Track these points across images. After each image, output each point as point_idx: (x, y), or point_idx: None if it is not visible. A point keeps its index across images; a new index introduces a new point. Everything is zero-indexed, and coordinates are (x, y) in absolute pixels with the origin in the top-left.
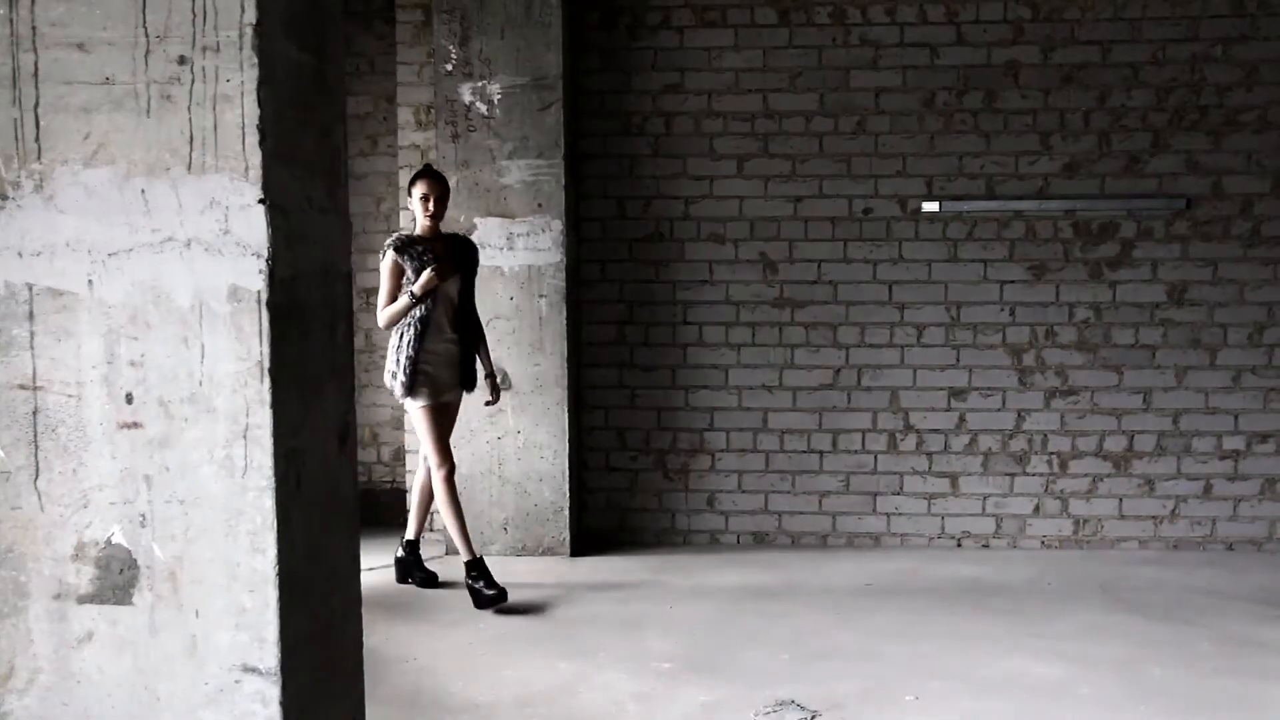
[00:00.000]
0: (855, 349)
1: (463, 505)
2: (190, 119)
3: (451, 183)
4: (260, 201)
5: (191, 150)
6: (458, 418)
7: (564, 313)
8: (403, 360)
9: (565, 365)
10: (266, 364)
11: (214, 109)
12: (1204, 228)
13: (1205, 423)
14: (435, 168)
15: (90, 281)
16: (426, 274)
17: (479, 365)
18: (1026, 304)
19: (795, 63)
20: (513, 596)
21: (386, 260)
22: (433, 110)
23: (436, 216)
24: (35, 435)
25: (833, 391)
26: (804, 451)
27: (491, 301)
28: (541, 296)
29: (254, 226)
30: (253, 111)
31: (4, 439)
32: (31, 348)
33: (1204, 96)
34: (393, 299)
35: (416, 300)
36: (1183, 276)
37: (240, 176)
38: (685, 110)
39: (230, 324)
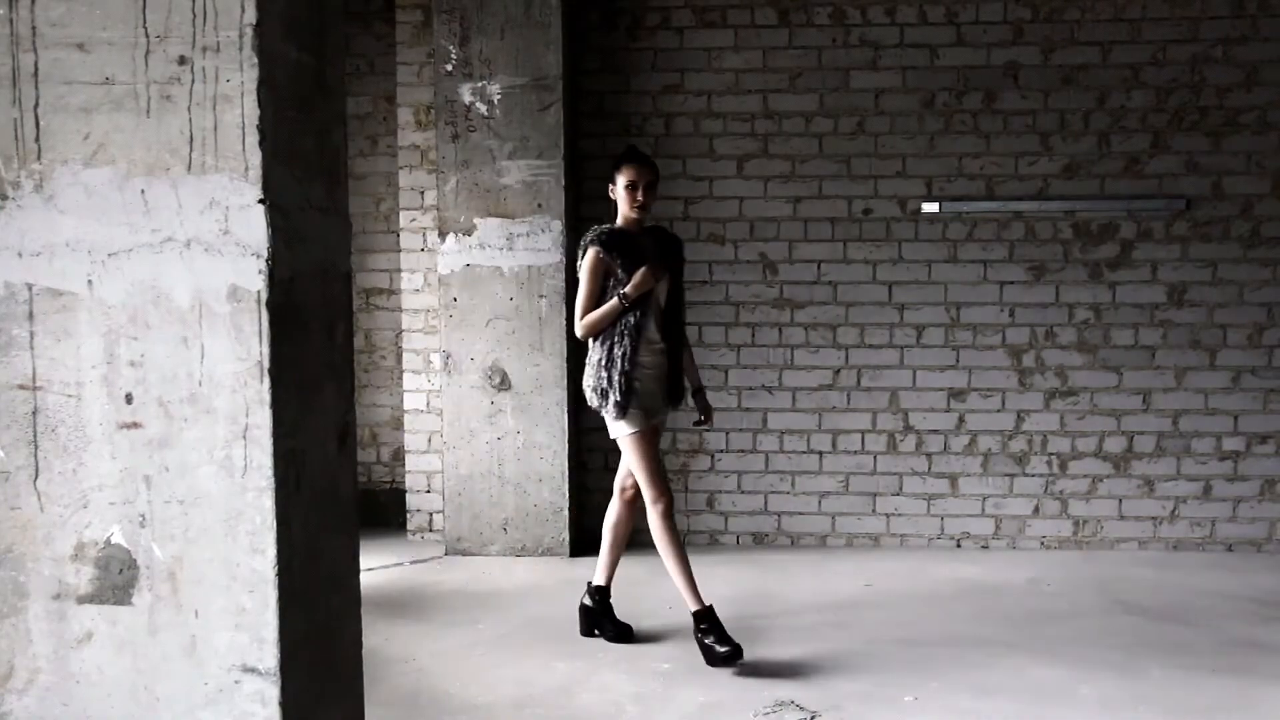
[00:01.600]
0: (855, 349)
1: (461, 505)
2: (190, 119)
3: (450, 183)
4: (260, 202)
5: (191, 150)
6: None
7: (564, 313)
8: (615, 377)
9: (565, 366)
10: (266, 364)
11: (214, 109)
12: (1204, 228)
13: (1205, 424)
14: (638, 148)
15: (90, 281)
16: (641, 274)
17: (683, 377)
18: (1026, 305)
19: (795, 63)
20: (512, 597)
21: (588, 258)
22: (432, 110)
23: (645, 208)
24: (35, 435)
25: (832, 392)
26: (803, 452)
27: (491, 302)
28: (541, 297)
29: (254, 227)
30: (252, 112)
31: (4, 439)
32: (31, 348)
33: (1204, 97)
34: (595, 302)
35: (630, 305)
36: (1182, 277)
37: (240, 177)
38: (685, 111)
39: (230, 324)
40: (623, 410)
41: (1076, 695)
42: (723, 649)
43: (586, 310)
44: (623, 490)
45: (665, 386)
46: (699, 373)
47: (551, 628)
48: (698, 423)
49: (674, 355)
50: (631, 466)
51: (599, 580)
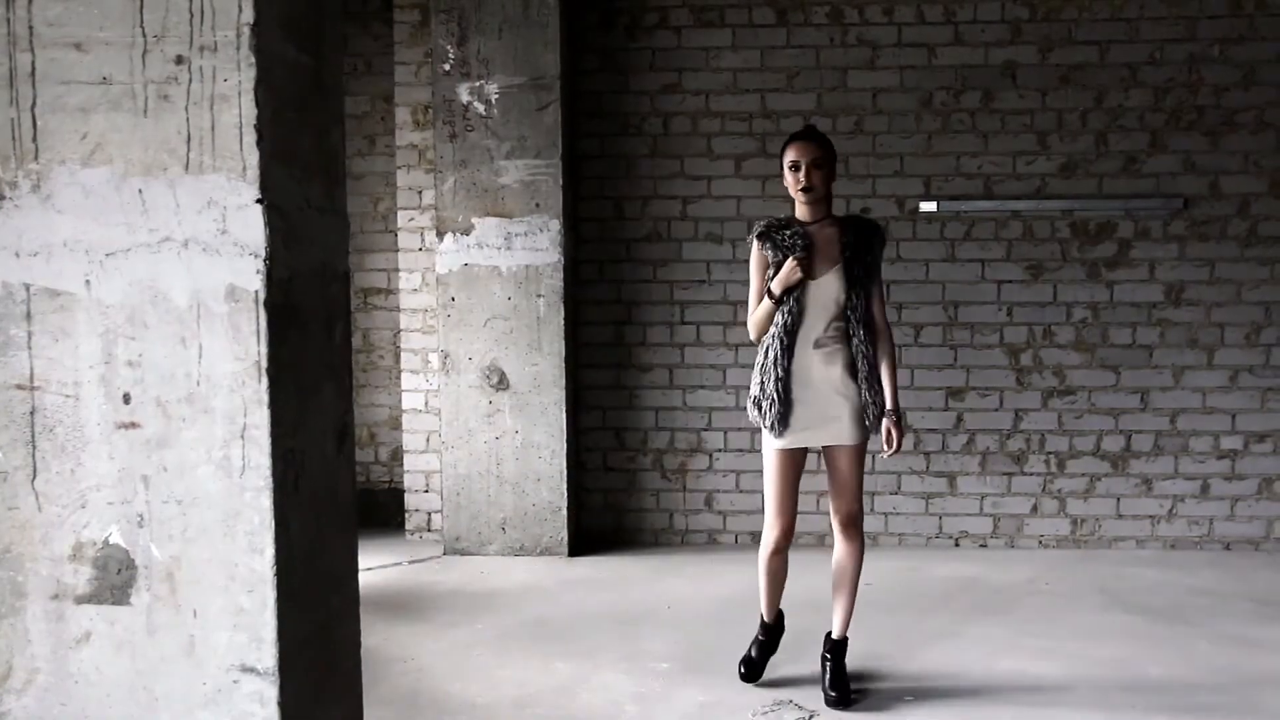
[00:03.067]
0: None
1: (460, 505)
2: (188, 119)
3: (448, 183)
4: (258, 201)
5: (189, 150)
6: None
7: (562, 313)
8: (766, 383)
9: (563, 365)
10: (264, 364)
11: (211, 109)
12: (1201, 228)
13: (1203, 422)
14: (815, 129)
15: (88, 281)
16: (787, 265)
17: (868, 395)
18: (1024, 304)
19: (793, 63)
20: (511, 597)
21: (752, 252)
22: (430, 110)
23: (810, 189)
24: (33, 435)
25: None
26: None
27: (489, 301)
28: (539, 296)
29: (251, 226)
30: (250, 111)
31: (1, 439)
32: (29, 347)
33: (1201, 97)
34: (759, 300)
35: (775, 301)
36: (1180, 276)
37: (238, 176)
38: (683, 110)
39: (228, 324)
40: (772, 424)
41: (1075, 694)
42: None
43: (752, 309)
44: (836, 513)
45: (837, 405)
46: (897, 390)
47: (550, 628)
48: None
49: (861, 366)
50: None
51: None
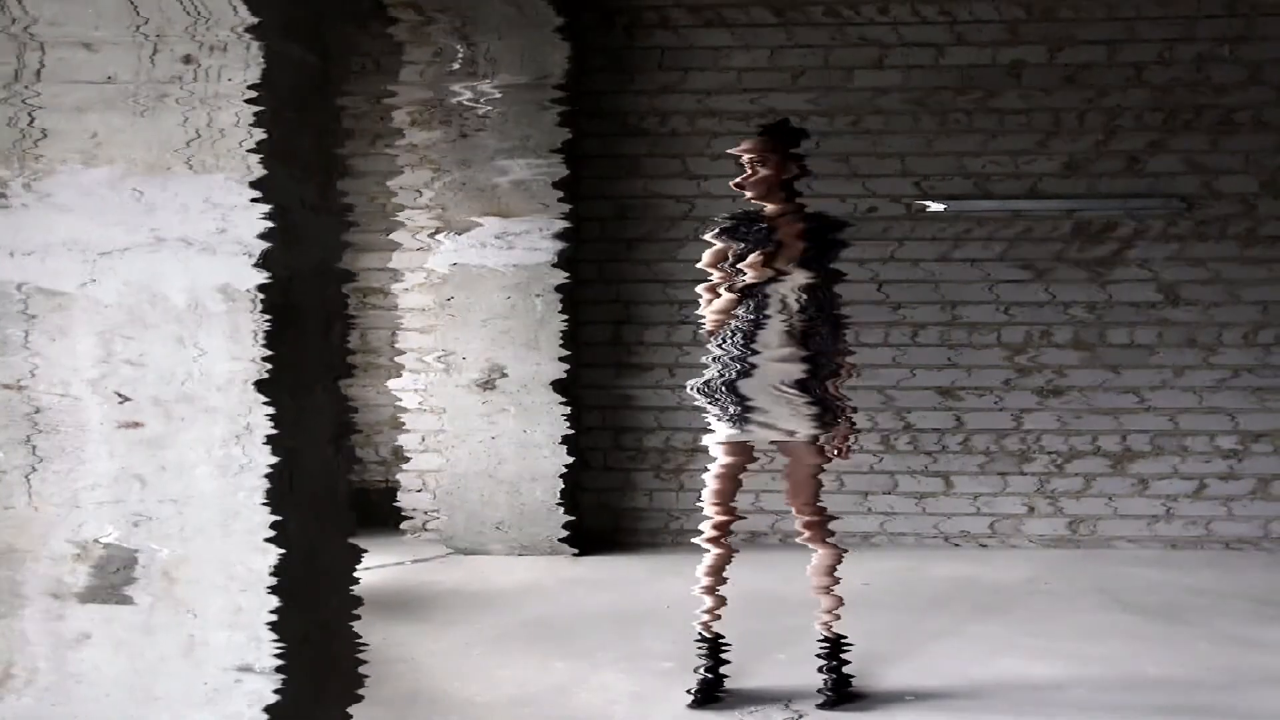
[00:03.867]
0: (851, 347)
1: (457, 505)
2: (188, 119)
3: (449, 182)
4: (258, 201)
5: (189, 150)
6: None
7: (561, 312)
8: (719, 375)
9: (562, 365)
10: (263, 363)
11: (211, 109)
12: (1201, 228)
13: (1201, 422)
14: (788, 123)
15: (86, 281)
16: (752, 258)
17: (828, 392)
18: (1023, 304)
19: (794, 62)
20: (510, 597)
21: (712, 244)
22: (431, 110)
23: (746, 186)
24: (31, 435)
25: None
26: None
27: (488, 301)
28: (539, 296)
29: (251, 226)
30: (250, 111)
31: (1, 438)
32: (27, 347)
33: (1202, 97)
34: (716, 293)
35: (738, 295)
36: (1179, 276)
37: (238, 176)
38: (684, 110)
39: (226, 323)
40: (719, 415)
41: (1073, 693)
42: (695, 693)
43: (706, 303)
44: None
45: (789, 402)
46: (845, 393)
47: (549, 628)
48: (836, 453)
49: (810, 364)
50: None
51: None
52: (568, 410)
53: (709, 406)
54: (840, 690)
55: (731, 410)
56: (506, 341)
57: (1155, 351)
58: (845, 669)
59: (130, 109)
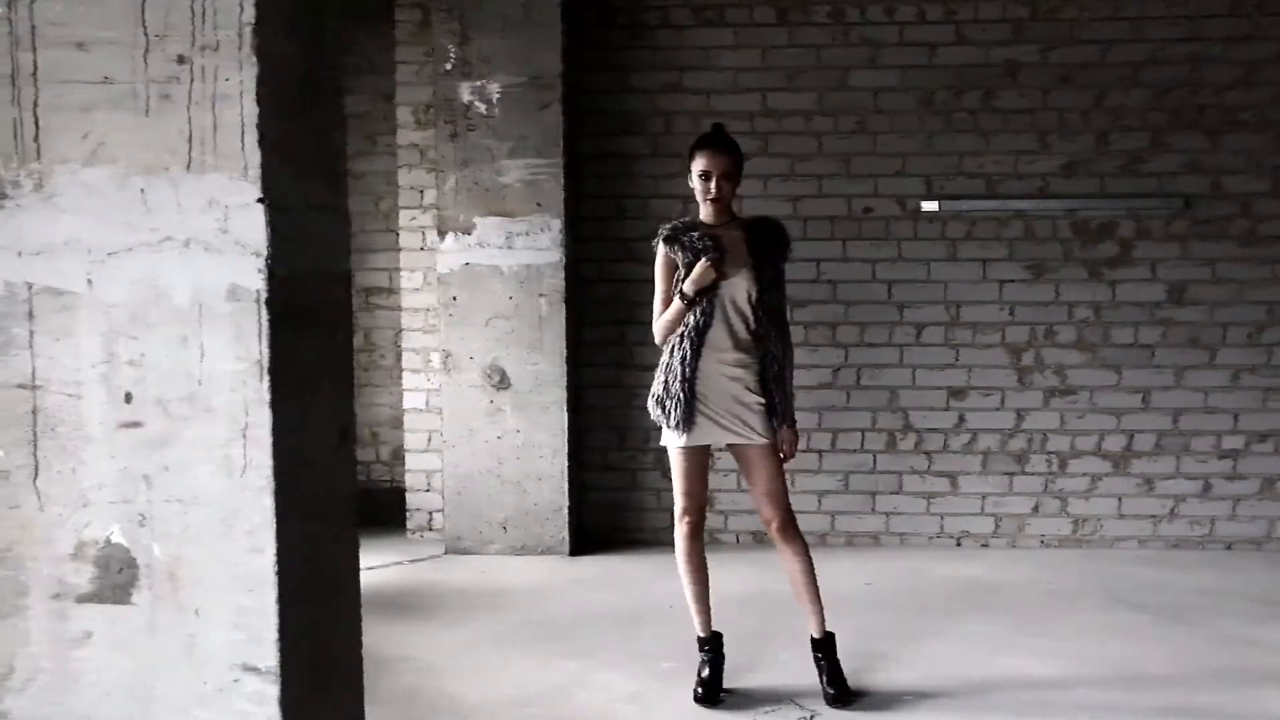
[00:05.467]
0: (854, 348)
1: (461, 504)
2: (189, 118)
3: (450, 182)
4: (259, 201)
5: (191, 149)
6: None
7: (563, 312)
8: (674, 385)
9: (564, 365)
10: (266, 363)
11: (213, 108)
12: (1203, 227)
13: (1204, 422)
14: (723, 130)
15: (89, 281)
16: (700, 267)
17: (775, 396)
18: (1026, 303)
19: (794, 62)
20: (512, 596)
21: (658, 255)
22: (432, 109)
23: (720, 200)
24: (35, 435)
25: (831, 390)
26: (802, 450)
27: (490, 300)
28: (541, 296)
29: (253, 226)
30: (252, 110)
31: (3, 438)
32: (31, 347)
33: (1203, 96)
34: (668, 304)
35: (688, 302)
36: (1182, 276)
37: (239, 176)
38: (684, 109)
39: (229, 323)
40: (676, 423)
41: (1076, 694)
42: (699, 688)
43: (658, 314)
44: (767, 522)
45: (741, 406)
46: (793, 396)
47: (551, 627)
48: (781, 455)
49: (760, 368)
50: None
51: (813, 631)
52: (570, 410)
53: (663, 417)
54: (841, 688)
55: (685, 416)
56: (509, 341)
57: (1158, 351)
58: (841, 666)
59: (130, 108)
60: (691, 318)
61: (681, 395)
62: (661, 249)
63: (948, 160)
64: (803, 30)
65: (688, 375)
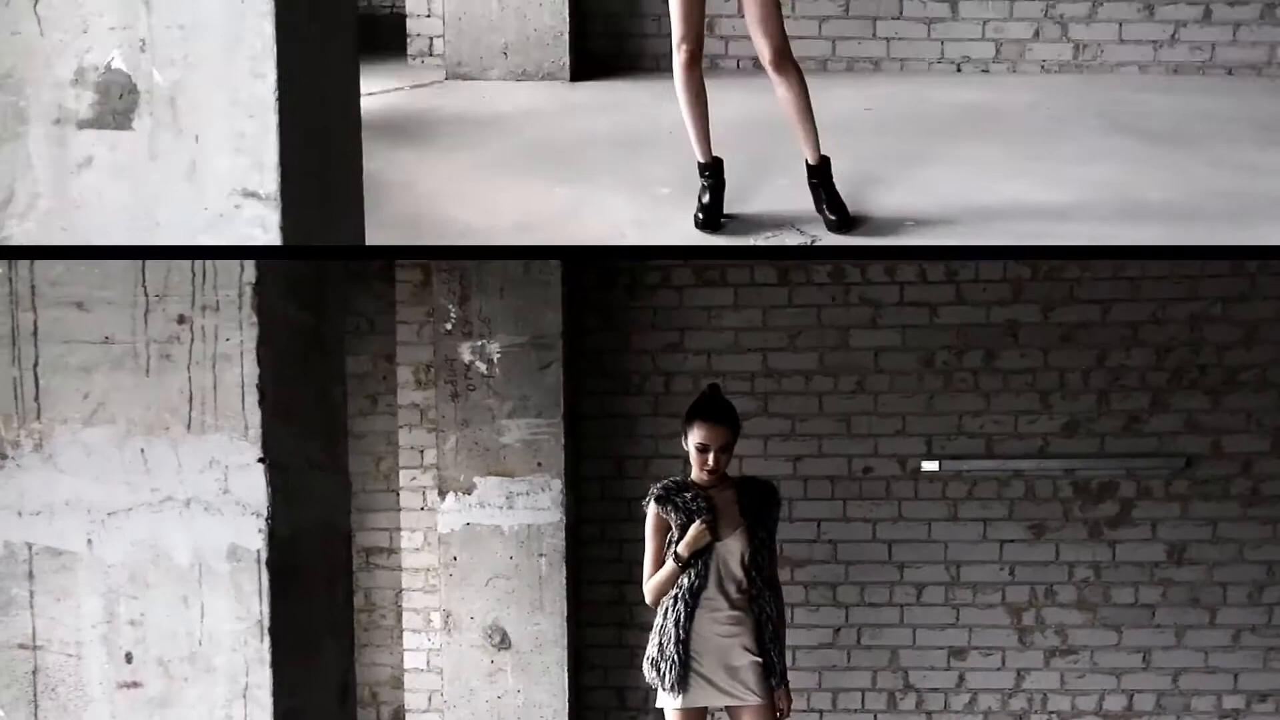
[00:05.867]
0: (855, 608)
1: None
2: (190, 378)
3: (450, 442)
4: (260, 461)
5: (191, 409)
6: None
7: (564, 572)
8: (666, 645)
9: (565, 624)
10: (266, 623)
11: (213, 368)
12: (1203, 487)
13: (1205, 682)
14: (719, 394)
15: (89, 541)
16: (694, 529)
17: (774, 656)
18: (1026, 563)
19: (795, 321)
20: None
21: (648, 517)
22: (432, 369)
23: (717, 472)
24: (35, 694)
25: (832, 650)
26: (803, 710)
27: (491, 560)
28: (541, 555)
29: (253, 486)
30: (252, 371)
31: (4, 698)
32: (31, 607)
33: (1203, 356)
34: (659, 564)
35: (682, 564)
36: (1182, 536)
37: (240, 435)
38: (685, 369)
39: (230, 583)
40: (671, 685)
41: (1075, 218)
42: (699, 214)
43: (649, 575)
44: None
45: (744, 664)
46: (785, 656)
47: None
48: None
49: (756, 629)
50: None
51: None
52: (571, 669)
53: (658, 679)
54: (843, 210)
55: (680, 678)
56: (510, 601)
57: (1159, 610)
58: (839, 192)
59: (133, 368)
60: (685, 579)
61: (676, 657)
62: (653, 509)
63: (948, 420)
64: (804, 290)
65: (682, 637)
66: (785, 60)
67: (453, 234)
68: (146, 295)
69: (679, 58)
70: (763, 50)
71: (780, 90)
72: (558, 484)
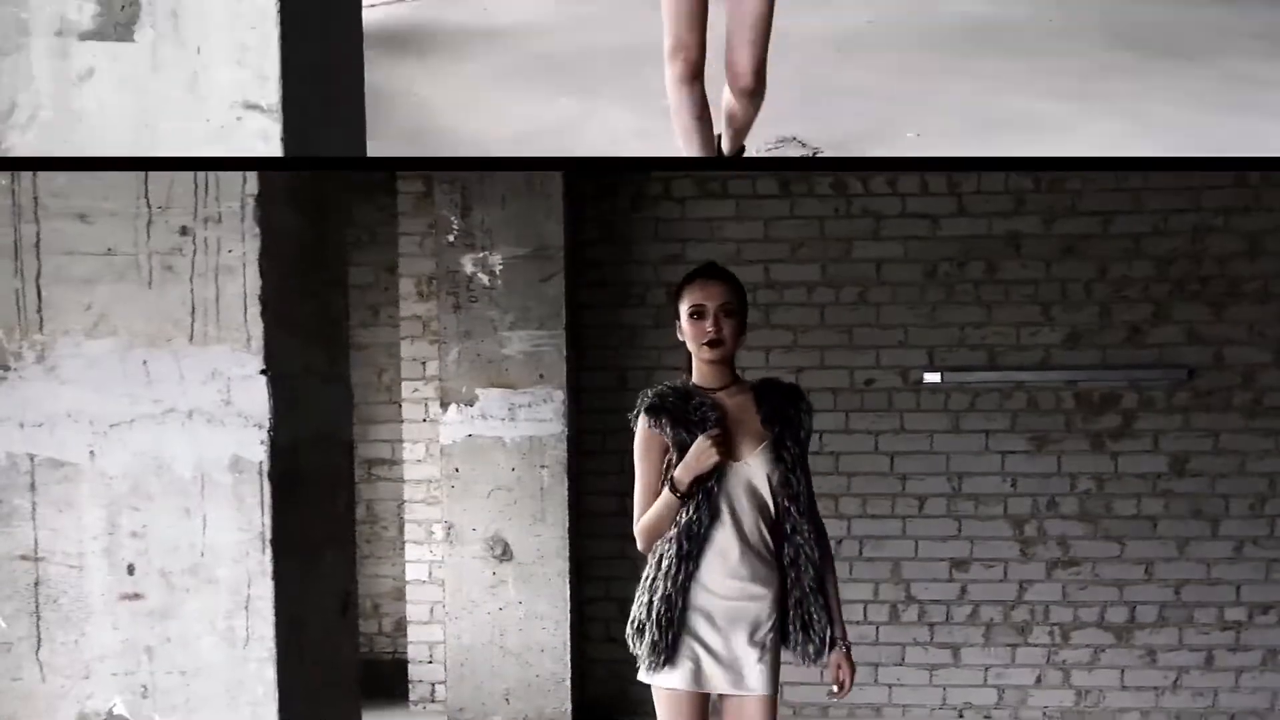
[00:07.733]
0: (857, 520)
1: (464, 676)
2: (192, 290)
3: (452, 354)
4: (262, 372)
5: (193, 321)
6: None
7: (565, 484)
8: (655, 605)
9: (566, 536)
10: (268, 534)
11: (216, 280)
12: (1205, 398)
13: (1207, 594)
14: (713, 264)
15: (92, 452)
16: (698, 445)
17: (813, 616)
18: (1028, 475)
19: (796, 233)
20: None
21: (638, 432)
22: (434, 281)
23: (720, 343)
24: (37, 606)
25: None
26: None
27: (493, 472)
28: (543, 467)
29: (256, 397)
30: (254, 282)
31: (5, 609)
32: (33, 518)
33: (1205, 267)
34: (654, 496)
35: (682, 495)
36: (1184, 447)
37: (242, 347)
38: None
39: (232, 494)
40: (652, 661)
41: (1077, 126)
42: None
43: (643, 509)
44: None
45: (758, 641)
46: (841, 611)
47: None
48: (831, 693)
49: (786, 584)
50: None
51: None
52: (573, 581)
53: (644, 651)
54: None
55: (668, 649)
56: (512, 513)
57: (1161, 523)
58: None
59: (136, 280)
60: (684, 516)
61: (665, 621)
62: (643, 423)
63: (950, 332)
64: (805, 202)
65: (669, 591)
66: (761, 83)
67: (456, 145)
68: (149, 207)
69: (673, 70)
70: (741, 63)
71: (740, 112)
72: (560, 395)
